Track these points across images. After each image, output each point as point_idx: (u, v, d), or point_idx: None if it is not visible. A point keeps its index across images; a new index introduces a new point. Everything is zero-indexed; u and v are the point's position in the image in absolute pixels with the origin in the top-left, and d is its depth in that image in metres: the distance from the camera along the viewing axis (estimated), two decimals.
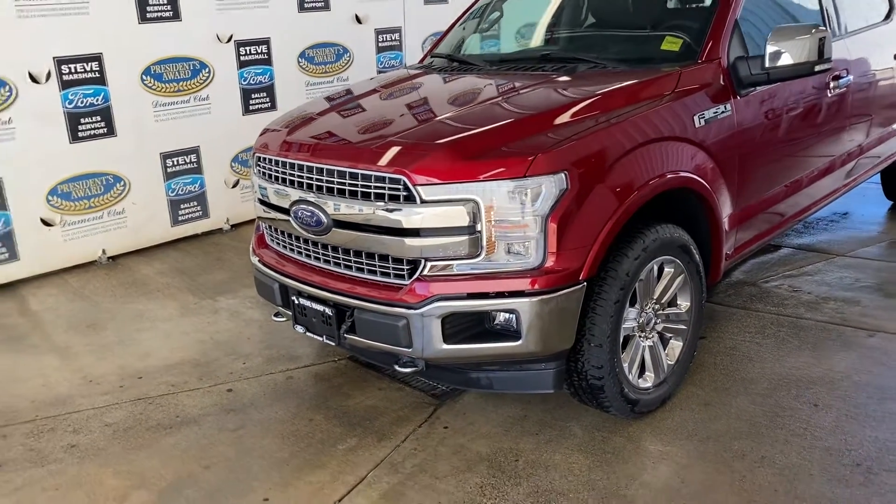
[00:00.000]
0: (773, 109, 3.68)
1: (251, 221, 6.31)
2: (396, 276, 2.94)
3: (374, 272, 3.00)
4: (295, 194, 3.16)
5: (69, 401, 3.72)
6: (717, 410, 3.32)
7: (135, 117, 5.40)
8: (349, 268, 3.08)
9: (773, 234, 4.05)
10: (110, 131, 5.29)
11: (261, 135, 3.56)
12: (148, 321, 4.59)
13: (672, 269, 3.25)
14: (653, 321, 3.26)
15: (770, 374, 3.60)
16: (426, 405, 3.55)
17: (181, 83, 5.59)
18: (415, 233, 2.82)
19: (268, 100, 6.15)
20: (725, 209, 3.48)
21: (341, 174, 2.96)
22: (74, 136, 5.14)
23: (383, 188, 2.85)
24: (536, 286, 2.76)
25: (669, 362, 3.37)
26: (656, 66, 3.45)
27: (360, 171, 2.90)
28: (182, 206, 5.82)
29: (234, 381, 3.87)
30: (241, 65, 5.94)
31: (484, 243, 2.78)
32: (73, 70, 5.04)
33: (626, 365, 3.12)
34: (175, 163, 5.70)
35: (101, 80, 5.17)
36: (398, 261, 2.92)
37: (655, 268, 3.16)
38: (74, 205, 5.23)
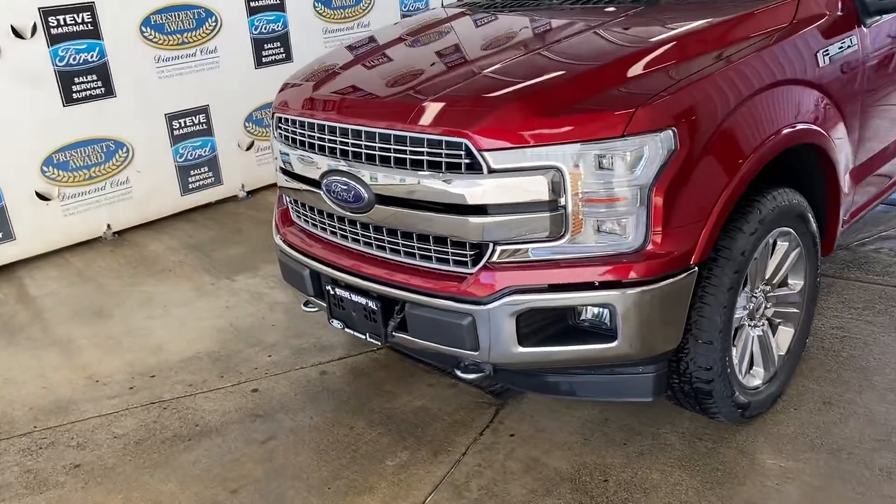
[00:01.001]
0: None
1: (269, 187, 5.74)
2: (457, 262, 2.38)
3: (428, 258, 2.44)
4: (326, 163, 2.58)
5: (72, 407, 3.23)
6: (841, 411, 2.76)
7: (135, 74, 4.80)
8: (397, 252, 2.52)
9: (889, 193, 3.44)
10: (108, 91, 4.70)
11: (280, 91, 2.97)
12: (159, 307, 4.07)
13: (786, 243, 2.67)
14: (763, 306, 2.69)
15: (894, 361, 3.02)
16: (486, 406, 3.02)
17: (185, 34, 4.97)
18: (480, 210, 2.25)
19: (282, 50, 5.52)
20: (845, 165, 2.87)
21: (384, 137, 2.38)
22: (68, 98, 4.56)
23: (439, 154, 2.27)
24: (637, 274, 2.19)
25: (780, 353, 2.81)
26: None
27: (408, 134, 2.32)
28: (192, 173, 5.25)
29: (259, 378, 3.35)
30: (252, 11, 5.30)
31: (569, 221, 2.20)
32: (62, 22, 4.43)
33: (736, 361, 2.57)
34: (182, 124, 5.11)
35: (95, 33, 4.57)
36: (459, 244, 2.35)
37: (771, 242, 2.58)
38: (73, 175, 4.68)
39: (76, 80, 4.55)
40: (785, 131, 2.43)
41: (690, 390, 2.50)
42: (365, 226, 2.58)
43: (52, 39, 4.42)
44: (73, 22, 4.46)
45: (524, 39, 2.81)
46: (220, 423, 3.05)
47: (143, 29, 4.78)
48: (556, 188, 2.17)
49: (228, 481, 2.70)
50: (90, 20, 4.53)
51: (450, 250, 2.38)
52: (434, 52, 2.90)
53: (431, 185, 2.29)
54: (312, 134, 2.64)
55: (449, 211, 2.30)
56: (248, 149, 5.53)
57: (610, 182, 2.15)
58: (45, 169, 4.55)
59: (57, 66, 4.47)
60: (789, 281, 2.81)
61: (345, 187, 2.51)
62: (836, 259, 3.92)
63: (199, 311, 3.99)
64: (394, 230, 2.49)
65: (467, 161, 2.23)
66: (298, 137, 2.72)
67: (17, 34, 4.29)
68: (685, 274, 2.24)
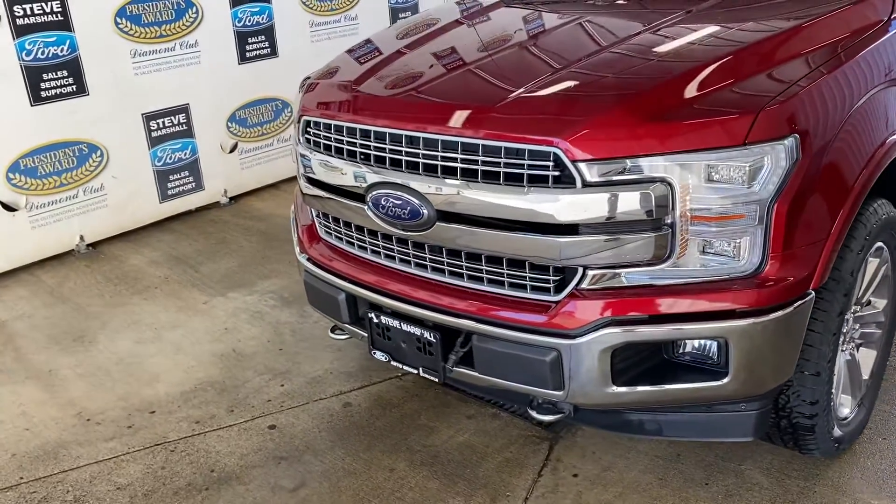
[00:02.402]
0: None
1: (253, 192, 5.33)
2: (537, 289, 2.07)
3: (500, 283, 2.13)
4: (373, 174, 2.24)
5: (63, 452, 2.81)
6: None
7: (109, 70, 4.34)
8: (460, 276, 2.20)
9: None
10: (80, 89, 4.24)
11: (307, 90, 2.61)
12: (149, 329, 3.65)
13: (878, 259, 2.43)
14: (852, 329, 2.45)
15: None
16: (537, 441, 2.72)
17: (164, 26, 4.53)
18: (571, 229, 1.95)
19: (267, 44, 5.11)
20: None
21: (451, 146, 2.05)
22: (36, 98, 4.08)
23: (521, 165, 1.96)
24: (752, 302, 1.92)
25: (864, 378, 2.57)
26: None
27: (483, 142, 2.00)
28: (171, 178, 4.81)
29: (275, 412, 2.99)
30: (235, 2, 4.88)
31: (676, 242, 1.92)
32: (28, 11, 3.95)
33: (834, 392, 2.32)
34: (161, 125, 4.67)
35: (65, 24, 4.10)
36: (540, 268, 2.04)
37: (870, 260, 2.33)
38: (42, 182, 4.20)
39: (45, 76, 4.08)
40: (893, 138, 2.19)
41: (789, 426, 2.24)
42: (419, 245, 2.25)
43: (18, 31, 3.94)
44: (41, 11, 3.99)
45: (604, 33, 2.49)
46: (239, 468, 2.68)
47: (118, 20, 4.32)
48: (663, 204, 1.88)
49: None
50: (60, 10, 4.06)
51: (528, 275, 2.07)
52: (497, 45, 2.54)
53: (511, 200, 1.98)
54: (354, 140, 2.29)
55: (533, 230, 1.99)
56: (231, 151, 5.10)
57: (726, 197, 1.88)
58: (10, 176, 4.07)
59: (23, 60, 3.99)
60: (872, 299, 2.58)
61: (398, 202, 2.18)
62: None
63: (194, 334, 3.59)
64: (456, 251, 2.17)
65: (556, 173, 1.92)
66: (335, 144, 2.37)
67: None
68: (803, 301, 1.97)
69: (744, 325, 1.92)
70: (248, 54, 5.03)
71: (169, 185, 4.81)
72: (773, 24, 2.27)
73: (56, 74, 4.12)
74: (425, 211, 2.13)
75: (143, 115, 4.58)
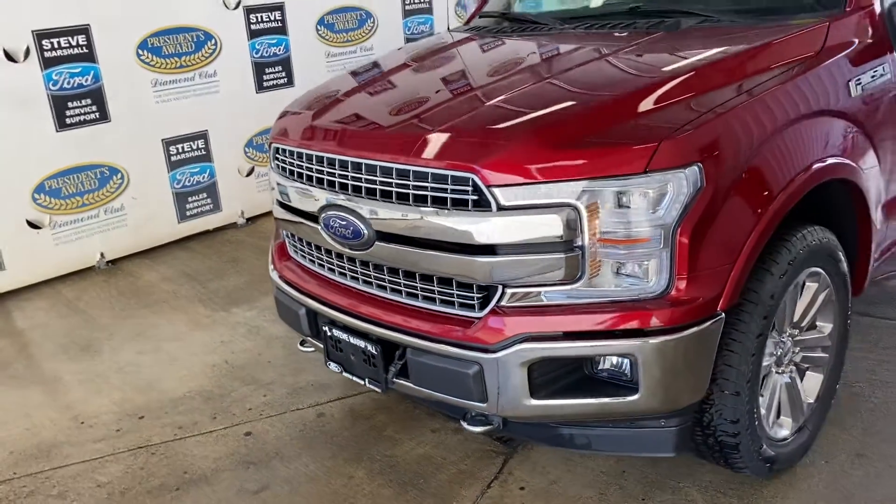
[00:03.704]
0: None
1: (269, 213, 5.56)
2: (463, 305, 2.20)
3: (432, 299, 2.27)
4: (324, 197, 2.42)
5: (55, 451, 3.04)
6: (876, 465, 2.56)
7: (131, 99, 4.66)
8: (398, 292, 2.35)
9: None
10: (103, 116, 4.56)
11: (279, 119, 2.82)
12: (151, 341, 3.89)
13: (815, 284, 2.49)
14: (791, 351, 2.50)
15: None
16: (493, 455, 2.83)
17: (184, 57, 4.84)
18: (489, 249, 2.08)
19: (284, 74, 5.39)
20: (877, 199, 2.70)
21: (386, 171, 2.22)
22: (61, 124, 4.41)
23: (445, 190, 2.10)
24: (660, 321, 2.02)
25: (808, 401, 2.62)
26: (786, 18, 2.64)
27: (412, 168, 2.16)
28: (189, 200, 5.09)
29: (253, 420, 3.17)
30: (252, 35, 5.18)
31: (586, 263, 2.03)
32: (56, 45, 4.30)
33: (763, 412, 2.38)
34: (180, 150, 4.97)
35: (89, 56, 4.43)
36: (465, 286, 2.18)
37: (800, 284, 2.40)
38: (65, 203, 4.52)
39: (70, 104, 4.41)
40: (816, 166, 2.27)
41: (715, 444, 2.31)
42: (365, 263, 2.41)
43: (46, 63, 4.28)
44: (67, 45, 4.33)
45: (534, 67, 2.65)
46: (210, 471, 2.86)
47: (140, 52, 4.65)
48: (572, 227, 2.01)
49: None
50: (85, 43, 4.40)
51: (455, 292, 2.20)
52: (439, 80, 2.74)
53: (436, 222, 2.13)
54: (311, 166, 2.48)
55: (455, 250, 2.13)
56: (247, 175, 5.38)
57: (630, 221, 1.99)
58: (36, 196, 4.40)
59: (50, 90, 4.33)
60: (818, 324, 2.63)
61: (343, 223, 2.35)
62: (878, 299, 3.73)
63: (192, 346, 3.81)
64: (395, 269, 2.32)
65: (475, 197, 2.06)
66: (296, 169, 2.56)
67: (9, 57, 4.15)
68: (712, 321, 2.06)
69: (651, 344, 2.01)
70: (265, 83, 5.31)
71: (188, 206, 5.09)
72: (697, 59, 2.37)
73: (80, 103, 4.45)
74: (366, 231, 2.30)
75: (162, 140, 4.88)
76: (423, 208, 2.15)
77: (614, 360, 2.14)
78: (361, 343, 2.42)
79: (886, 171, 2.73)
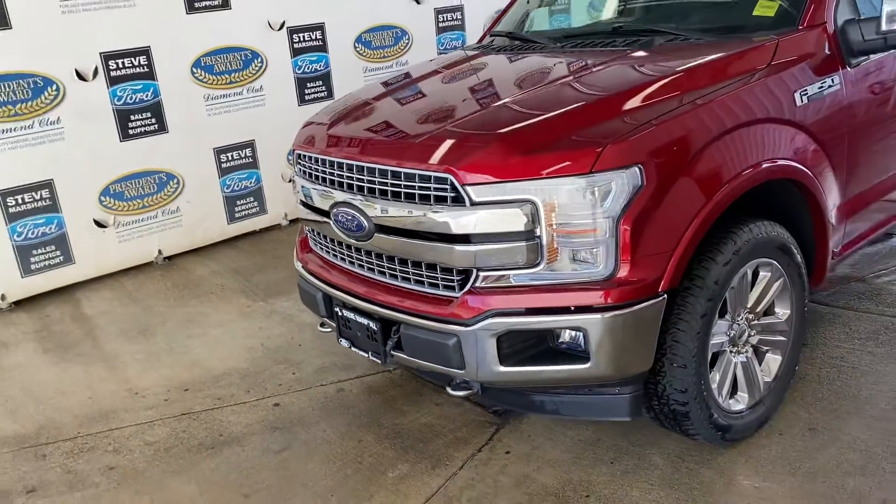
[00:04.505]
0: (890, 80, 3.13)
1: None
2: (446, 287, 2.58)
3: (421, 283, 2.65)
4: (335, 195, 2.84)
5: (112, 416, 3.54)
6: (824, 437, 2.84)
7: (186, 112, 5.20)
8: (395, 277, 2.74)
9: (889, 226, 3.50)
10: (161, 127, 5.11)
11: (301, 129, 3.26)
12: (199, 326, 4.38)
13: (769, 273, 2.79)
14: (746, 333, 2.80)
15: (888, 390, 3.08)
16: (487, 425, 3.19)
17: (233, 74, 5.36)
18: (464, 239, 2.46)
19: (324, 88, 5.87)
20: (832, 200, 2.98)
21: (382, 173, 2.62)
22: (125, 134, 4.97)
23: (429, 188, 2.49)
24: (607, 300, 2.36)
25: (766, 379, 2.91)
26: (748, 35, 2.95)
27: (402, 170, 2.55)
28: (238, 203, 5.61)
29: (282, 393, 3.60)
30: (295, 52, 5.67)
31: (545, 250, 2.39)
32: (120, 65, 4.86)
33: (714, 386, 2.69)
34: (229, 158, 5.49)
35: (149, 74, 4.98)
36: (448, 271, 2.56)
37: (749, 272, 2.70)
38: (128, 205, 5.08)
39: (132, 117, 4.96)
40: (757, 168, 2.57)
41: (669, 412, 2.63)
42: (367, 252, 2.81)
43: (112, 81, 4.85)
44: (130, 65, 4.89)
45: (512, 82, 3.03)
46: (241, 434, 3.30)
47: (194, 70, 5.18)
48: (532, 220, 2.37)
49: (243, 486, 2.95)
50: (146, 63, 4.95)
51: (440, 276, 2.59)
52: (430, 95, 3.15)
53: (421, 216, 2.51)
54: (323, 169, 2.90)
55: (437, 240, 2.51)
56: (290, 181, 5.86)
57: (580, 214, 2.34)
58: (102, 199, 4.96)
59: (115, 105, 4.89)
60: (776, 310, 2.91)
61: (349, 217, 2.76)
62: (849, 290, 3.97)
63: (234, 331, 4.29)
64: (392, 256, 2.72)
65: (452, 195, 2.44)
66: (313, 172, 2.99)
67: (80, 77, 4.72)
68: (653, 300, 2.39)
69: (598, 318, 2.36)
70: (306, 97, 5.79)
71: (236, 208, 5.61)
72: (654, 73, 2.71)
73: (141, 116, 5.00)
74: (367, 224, 2.70)
75: (214, 149, 5.40)
76: (410, 204, 2.54)
77: (572, 333, 2.48)
78: (365, 321, 2.82)
79: (842, 175, 3.00)
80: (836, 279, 4.10)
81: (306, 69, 5.75)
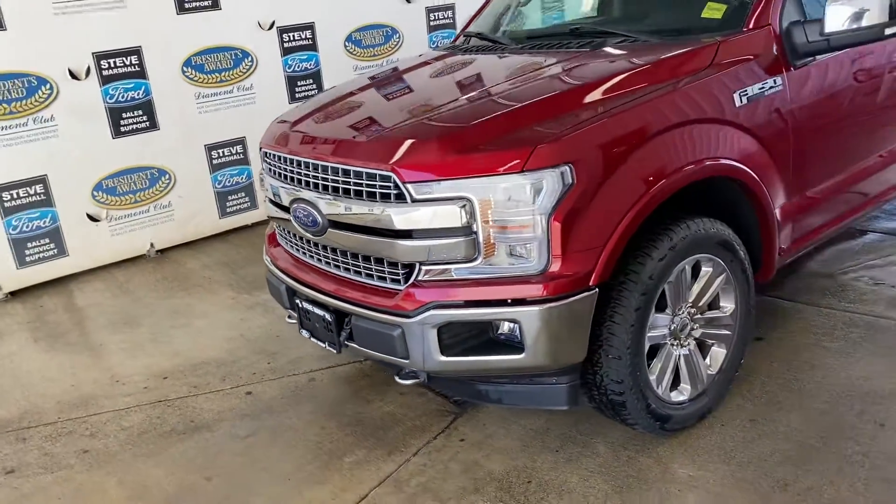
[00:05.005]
0: (837, 82, 3.20)
1: None
2: (393, 280, 2.70)
3: (371, 276, 2.77)
4: (293, 192, 2.96)
5: (92, 402, 3.70)
6: (763, 428, 2.92)
7: (177, 110, 5.35)
8: (348, 271, 2.87)
9: (844, 223, 3.56)
10: (153, 125, 5.26)
11: (269, 127, 3.38)
12: (184, 317, 4.54)
13: (710, 269, 2.87)
14: (689, 327, 2.89)
15: (833, 384, 3.15)
16: (446, 414, 3.31)
17: (224, 73, 5.50)
18: (407, 234, 2.57)
19: (314, 86, 6.00)
20: (777, 198, 3.05)
21: (334, 171, 2.74)
22: (117, 132, 5.14)
23: (374, 186, 2.61)
24: (540, 293, 2.46)
25: (710, 372, 3.00)
26: (695, 37, 3.04)
27: (351, 168, 2.67)
28: (230, 198, 5.76)
29: (255, 382, 3.74)
30: (286, 52, 5.81)
31: (481, 246, 2.50)
32: (112, 65, 5.02)
33: (653, 377, 2.78)
34: (220, 154, 5.64)
35: (141, 73, 5.14)
36: (394, 265, 2.68)
37: (688, 268, 2.79)
38: (120, 199, 5.25)
39: (124, 115, 5.12)
40: (692, 167, 2.66)
41: (607, 401, 2.73)
42: (325, 247, 2.94)
43: (104, 80, 5.01)
44: (122, 64, 5.05)
45: (469, 82, 3.14)
46: (212, 421, 3.45)
47: (185, 69, 5.33)
48: (469, 217, 2.47)
49: (207, 470, 3.09)
50: (137, 62, 5.10)
51: (387, 270, 2.70)
52: (385, 96, 3.28)
53: (366, 212, 2.63)
54: (284, 166, 3.02)
55: (382, 235, 2.63)
56: (260, 177, 5.99)
57: (514, 212, 2.44)
58: (95, 193, 5.13)
59: (107, 103, 5.05)
60: (722, 303, 3.00)
61: (305, 213, 2.89)
62: (814, 287, 4.04)
63: (217, 323, 4.43)
64: (345, 251, 2.84)
65: (396, 192, 2.56)
66: (276, 169, 3.11)
67: (73, 76, 4.89)
68: (585, 294, 2.49)
69: (531, 311, 2.46)
70: (297, 95, 5.93)
71: (227, 203, 5.76)
72: (595, 75, 2.81)
73: (133, 114, 5.16)
74: (321, 220, 2.83)
75: (205, 146, 5.56)
76: (359, 201, 2.66)
77: (510, 325, 2.59)
78: (321, 313, 2.95)
79: (788, 174, 3.07)
80: (804, 275, 4.17)
81: (296, 68, 5.88)
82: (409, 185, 2.52)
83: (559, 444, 2.99)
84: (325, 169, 2.78)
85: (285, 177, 3.03)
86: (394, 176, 2.54)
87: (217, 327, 4.37)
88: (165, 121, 5.31)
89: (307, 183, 2.88)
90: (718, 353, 3.02)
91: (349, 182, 2.69)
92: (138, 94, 5.16)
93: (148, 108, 5.22)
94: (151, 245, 5.44)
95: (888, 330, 3.53)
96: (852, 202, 3.55)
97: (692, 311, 2.89)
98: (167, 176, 5.42)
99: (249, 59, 5.61)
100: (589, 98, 2.64)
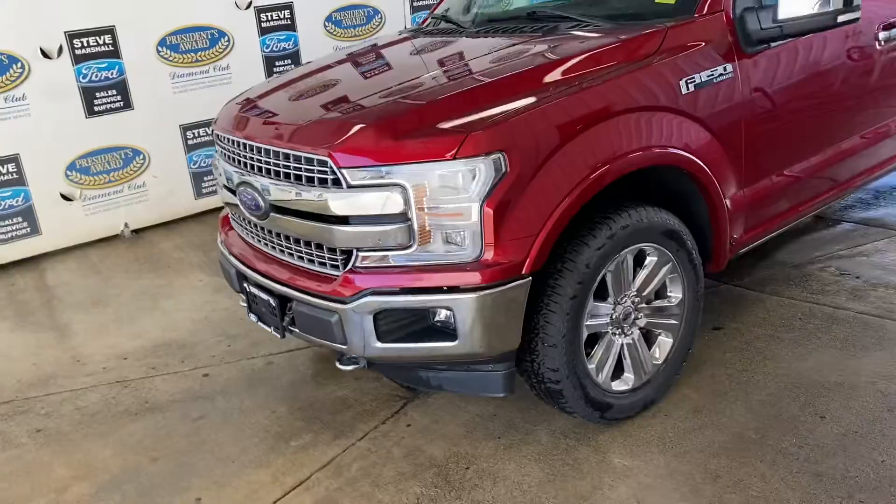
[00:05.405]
0: (792, 70, 3.15)
1: None
2: (332, 266, 2.69)
3: (311, 261, 2.76)
4: (240, 175, 2.95)
5: (52, 381, 3.72)
6: (705, 419, 2.91)
7: (152, 90, 5.34)
8: (291, 255, 2.86)
9: (803, 212, 3.52)
10: (127, 104, 5.25)
11: (220, 112, 3.36)
12: (151, 299, 4.55)
13: (655, 258, 2.85)
14: (632, 316, 2.87)
15: (781, 375, 3.14)
16: (397, 399, 3.31)
17: (199, 53, 5.48)
18: (343, 220, 2.56)
19: (293, 67, 5.95)
20: (729, 189, 3.02)
21: (275, 154, 2.72)
22: (90, 111, 5.13)
23: (312, 171, 2.59)
24: (473, 281, 2.45)
25: (656, 361, 2.98)
26: (649, 22, 2.99)
27: (290, 152, 2.66)
28: (205, 179, 5.76)
29: (213, 364, 3.75)
30: (263, 31, 5.77)
31: (416, 233, 2.48)
32: (85, 44, 5.00)
33: (592, 366, 2.77)
34: (196, 135, 5.63)
35: (114, 53, 5.12)
36: (333, 250, 2.67)
37: (630, 257, 2.77)
38: (94, 179, 5.25)
39: (97, 94, 5.11)
40: (631, 156, 2.63)
41: (544, 389, 2.72)
42: (269, 231, 2.93)
43: (77, 59, 4.99)
44: (95, 44, 5.03)
45: (416, 66, 3.11)
46: (166, 402, 3.46)
47: (160, 49, 5.31)
48: (403, 203, 2.46)
49: (154, 451, 3.10)
50: (111, 42, 5.09)
51: (326, 255, 2.69)
52: (333, 80, 3.24)
53: (305, 196, 2.62)
54: (232, 149, 3.01)
55: (320, 220, 2.61)
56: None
57: (447, 199, 2.42)
58: (68, 173, 5.13)
59: (80, 82, 5.04)
60: (669, 293, 2.98)
61: (249, 196, 2.87)
62: (779, 276, 4.01)
63: (183, 304, 4.45)
64: (287, 235, 2.83)
65: (332, 177, 2.54)
66: (225, 151, 3.10)
67: (45, 55, 4.88)
68: (518, 282, 2.47)
69: (463, 298, 2.45)
70: (275, 75, 5.89)
71: (203, 184, 5.75)
72: (537, 60, 2.77)
73: (107, 93, 5.15)
74: (263, 203, 2.81)
75: (180, 126, 5.55)
76: (298, 185, 2.65)
77: (445, 312, 2.58)
78: (266, 297, 2.95)
79: (740, 163, 3.04)
80: (771, 264, 4.14)
81: (274, 48, 5.85)
82: (344, 171, 2.50)
83: (502, 431, 2.99)
84: (266, 152, 2.76)
85: (232, 159, 3.01)
86: (330, 161, 2.52)
87: (183, 309, 4.38)
88: (140, 101, 5.30)
89: (251, 166, 2.86)
90: (665, 343, 3.01)
91: (289, 166, 2.67)
92: (112, 74, 5.14)
93: (122, 87, 5.20)
94: (126, 225, 5.45)
95: (845, 321, 3.50)
96: (811, 191, 3.50)
97: (636, 300, 2.87)
98: (141, 156, 5.41)
99: (226, 38, 5.58)
100: (529, 84, 2.61)
